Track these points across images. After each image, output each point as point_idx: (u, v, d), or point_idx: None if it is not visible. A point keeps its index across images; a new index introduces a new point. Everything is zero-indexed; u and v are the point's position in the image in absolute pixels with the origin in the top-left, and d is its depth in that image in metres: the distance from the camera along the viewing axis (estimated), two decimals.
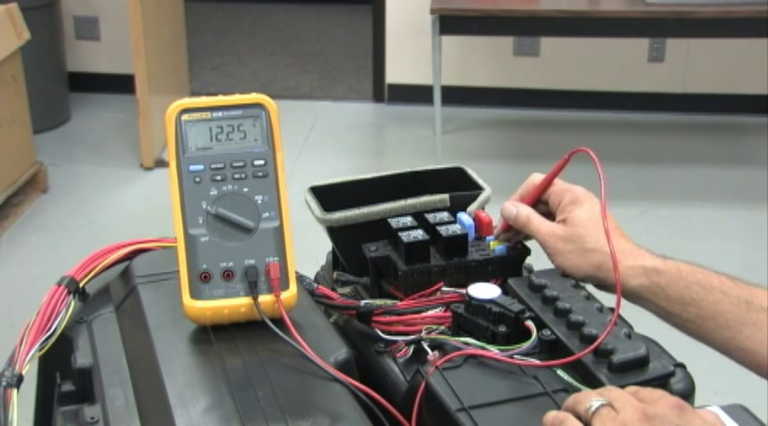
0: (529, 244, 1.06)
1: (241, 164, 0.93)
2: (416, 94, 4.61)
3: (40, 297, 1.00)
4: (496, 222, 1.08)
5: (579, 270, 0.99)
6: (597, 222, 0.98)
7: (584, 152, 0.99)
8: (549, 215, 1.04)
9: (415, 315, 0.97)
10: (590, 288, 1.00)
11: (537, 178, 1.06)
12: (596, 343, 0.86)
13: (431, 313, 0.97)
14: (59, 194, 3.82)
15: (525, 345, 0.89)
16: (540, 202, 1.05)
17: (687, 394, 0.88)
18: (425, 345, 0.92)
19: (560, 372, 0.86)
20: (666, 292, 0.96)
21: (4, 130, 3.56)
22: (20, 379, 0.90)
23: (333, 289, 1.05)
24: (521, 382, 0.86)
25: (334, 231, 1.07)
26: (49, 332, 0.97)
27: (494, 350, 0.89)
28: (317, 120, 4.63)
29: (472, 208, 1.09)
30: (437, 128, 4.05)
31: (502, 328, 0.91)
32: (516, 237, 1.06)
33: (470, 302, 0.93)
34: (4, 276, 3.23)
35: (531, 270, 1.07)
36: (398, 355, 0.94)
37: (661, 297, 0.96)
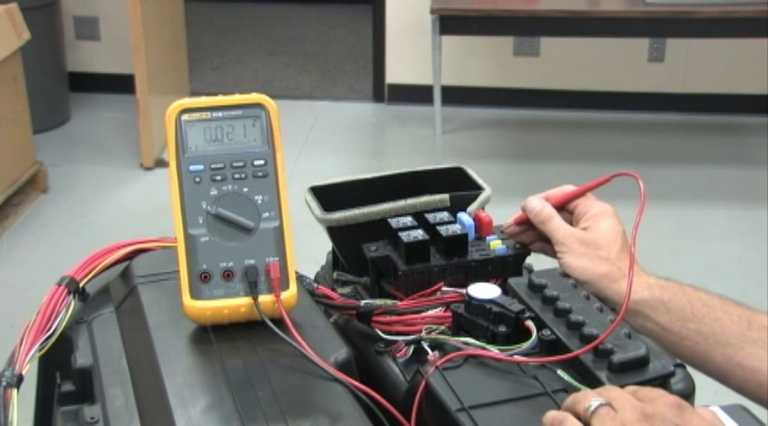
0: None
1: (241, 164, 0.93)
2: (416, 94, 4.61)
3: (40, 297, 1.00)
4: (496, 222, 1.08)
5: (584, 271, 0.99)
6: (617, 237, 1.01)
7: (631, 176, 1.01)
8: (569, 224, 1.05)
9: (415, 315, 0.97)
10: None
11: (568, 188, 1.07)
12: (598, 340, 0.86)
13: (431, 313, 0.97)
14: (59, 194, 3.82)
15: (525, 345, 0.89)
16: (563, 210, 1.06)
17: (687, 394, 0.88)
18: (425, 345, 0.92)
19: (560, 372, 0.86)
20: (668, 306, 0.97)
21: (4, 130, 3.56)
22: (20, 379, 0.90)
23: (333, 289, 1.05)
24: (521, 382, 0.86)
25: (334, 231, 1.07)
26: (49, 332, 0.97)
27: (494, 350, 0.89)
28: (317, 120, 4.63)
29: (472, 208, 1.09)
30: (437, 128, 4.05)
31: (502, 328, 0.91)
32: (522, 236, 1.06)
33: (470, 302, 0.93)
34: (4, 276, 3.23)
35: (531, 270, 1.07)
36: (398, 355, 0.94)
37: (661, 312, 0.97)
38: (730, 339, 0.94)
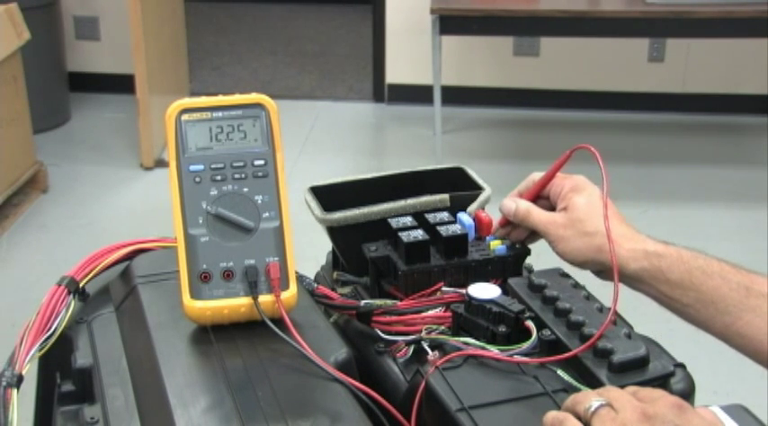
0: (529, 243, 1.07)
1: (241, 164, 0.93)
2: (416, 94, 4.61)
3: (40, 297, 1.00)
4: (496, 222, 1.08)
5: (580, 253, 0.99)
6: (597, 207, 1.00)
7: (586, 149, 1.00)
8: (550, 210, 1.04)
9: (415, 315, 0.97)
10: (590, 288, 1.00)
11: (536, 176, 1.06)
12: (595, 337, 0.86)
13: (431, 313, 0.97)
14: (59, 194, 3.81)
15: (525, 345, 0.89)
16: (540, 198, 1.05)
17: (687, 394, 0.88)
18: (425, 345, 0.92)
19: (560, 372, 0.86)
20: (667, 276, 0.96)
21: (4, 130, 3.56)
22: (20, 379, 0.90)
23: (333, 289, 1.05)
24: (521, 382, 0.86)
25: (334, 231, 1.07)
26: (49, 332, 0.97)
27: (494, 350, 0.89)
28: (317, 120, 4.63)
29: (472, 208, 1.09)
30: (437, 128, 4.05)
31: (502, 328, 0.91)
32: (515, 234, 1.06)
33: (470, 302, 0.93)
34: (4, 276, 3.23)
35: (531, 270, 1.07)
36: (398, 355, 0.94)
37: (661, 281, 0.96)
38: (729, 307, 0.93)
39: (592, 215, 0.99)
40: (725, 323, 0.93)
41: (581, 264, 0.99)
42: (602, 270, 0.99)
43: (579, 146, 1.01)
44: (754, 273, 0.95)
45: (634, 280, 0.97)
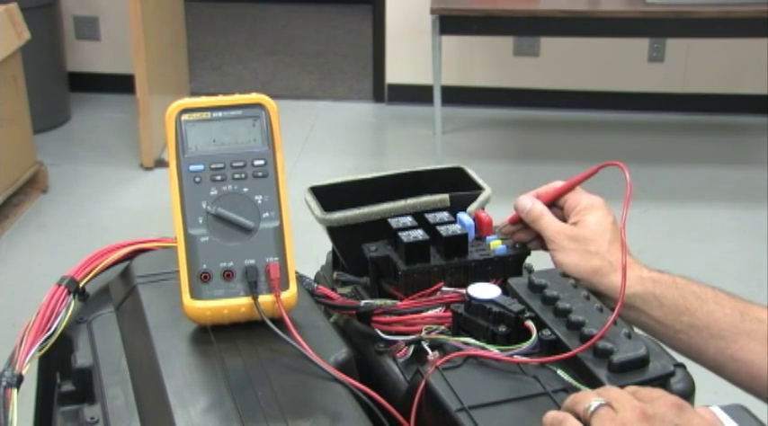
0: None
1: (241, 164, 0.93)
2: (416, 94, 4.61)
3: (40, 297, 1.00)
4: (497, 222, 1.08)
5: (576, 269, 1.00)
6: (606, 230, 1.01)
7: (617, 166, 1.00)
8: (561, 220, 1.05)
9: (415, 315, 0.97)
10: None
11: (558, 184, 1.07)
12: (596, 337, 0.86)
13: (431, 313, 0.97)
14: (59, 194, 3.82)
15: (525, 345, 0.89)
16: (553, 206, 1.06)
17: (687, 394, 0.88)
18: (425, 345, 0.92)
19: (560, 372, 0.86)
20: (660, 301, 0.96)
21: (4, 130, 3.56)
22: (20, 379, 0.90)
23: (333, 289, 1.05)
24: (521, 382, 0.86)
25: (334, 231, 1.07)
26: (49, 332, 0.97)
27: (494, 350, 0.89)
28: (317, 120, 4.63)
29: (472, 208, 1.09)
30: (437, 128, 4.05)
31: (502, 328, 0.91)
32: (519, 235, 1.06)
33: (470, 302, 0.93)
34: (4, 276, 3.23)
35: (531, 270, 1.07)
36: (398, 355, 0.94)
37: (654, 306, 0.97)
38: (723, 331, 0.94)
39: (599, 236, 1.01)
40: (719, 348, 0.94)
41: (575, 278, 0.99)
42: (593, 291, 0.99)
43: (609, 163, 1.02)
44: (749, 301, 0.96)
45: (626, 308, 0.97)
